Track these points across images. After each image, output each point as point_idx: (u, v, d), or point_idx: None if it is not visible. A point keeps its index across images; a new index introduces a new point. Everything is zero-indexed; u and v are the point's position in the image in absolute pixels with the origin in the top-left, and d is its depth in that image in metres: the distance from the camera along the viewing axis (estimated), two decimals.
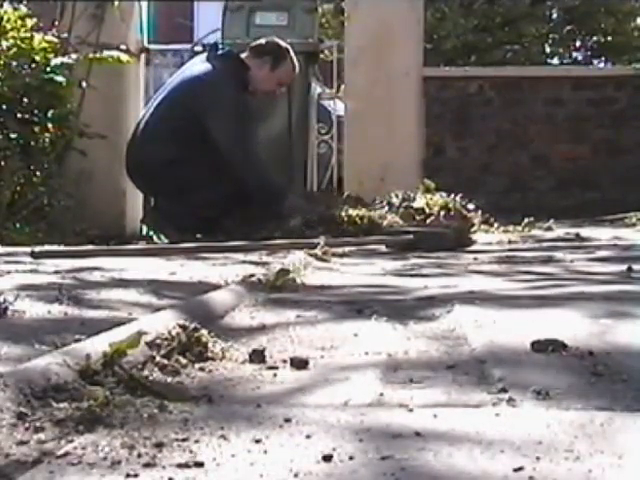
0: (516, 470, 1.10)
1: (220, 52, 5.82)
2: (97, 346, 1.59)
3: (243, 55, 5.80)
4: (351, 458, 1.16)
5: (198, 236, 5.32)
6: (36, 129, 5.89)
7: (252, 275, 3.05)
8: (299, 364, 1.75)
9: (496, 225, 5.84)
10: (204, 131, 5.47)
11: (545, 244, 5.07)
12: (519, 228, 5.84)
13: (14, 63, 5.73)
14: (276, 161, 6.45)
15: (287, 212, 5.45)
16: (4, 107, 5.66)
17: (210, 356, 1.80)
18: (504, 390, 1.50)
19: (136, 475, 1.10)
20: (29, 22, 5.86)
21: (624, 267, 3.41)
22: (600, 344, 1.86)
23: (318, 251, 4.09)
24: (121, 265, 3.44)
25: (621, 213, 6.69)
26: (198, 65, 5.79)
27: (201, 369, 1.72)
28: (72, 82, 5.99)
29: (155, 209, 5.96)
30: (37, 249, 3.86)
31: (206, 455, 1.18)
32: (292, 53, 5.84)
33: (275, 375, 1.69)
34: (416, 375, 1.65)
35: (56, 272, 3.17)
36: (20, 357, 1.67)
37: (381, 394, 1.52)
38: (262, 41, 5.89)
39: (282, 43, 5.90)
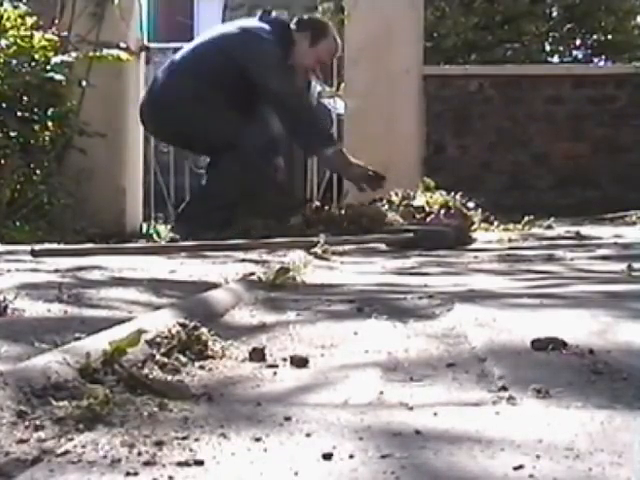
0: (516, 469, 1.10)
1: (272, 17, 5.86)
2: (97, 344, 1.59)
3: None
4: (351, 457, 1.16)
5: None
6: (36, 127, 5.90)
7: (252, 273, 3.05)
8: (299, 362, 1.75)
9: (496, 223, 5.83)
10: (241, 79, 5.42)
11: (545, 242, 5.07)
12: (519, 226, 5.83)
13: (14, 61, 5.73)
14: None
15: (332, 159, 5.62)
16: (4, 105, 5.66)
17: (210, 354, 1.80)
18: (504, 388, 1.50)
19: (136, 473, 1.10)
20: (29, 20, 5.87)
21: (624, 265, 3.41)
22: (600, 342, 1.86)
23: (318, 249, 4.09)
24: (121, 263, 3.44)
25: (621, 211, 6.69)
26: (249, 22, 5.84)
27: (201, 367, 1.72)
28: (72, 80, 6.00)
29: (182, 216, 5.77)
30: (37, 247, 3.86)
31: (206, 453, 1.18)
32: (334, 31, 5.84)
33: (275, 374, 1.69)
34: (416, 373, 1.64)
35: (56, 270, 3.17)
36: (20, 355, 1.67)
37: (381, 392, 1.52)
38: (304, 16, 5.92)
39: (324, 20, 5.92)
